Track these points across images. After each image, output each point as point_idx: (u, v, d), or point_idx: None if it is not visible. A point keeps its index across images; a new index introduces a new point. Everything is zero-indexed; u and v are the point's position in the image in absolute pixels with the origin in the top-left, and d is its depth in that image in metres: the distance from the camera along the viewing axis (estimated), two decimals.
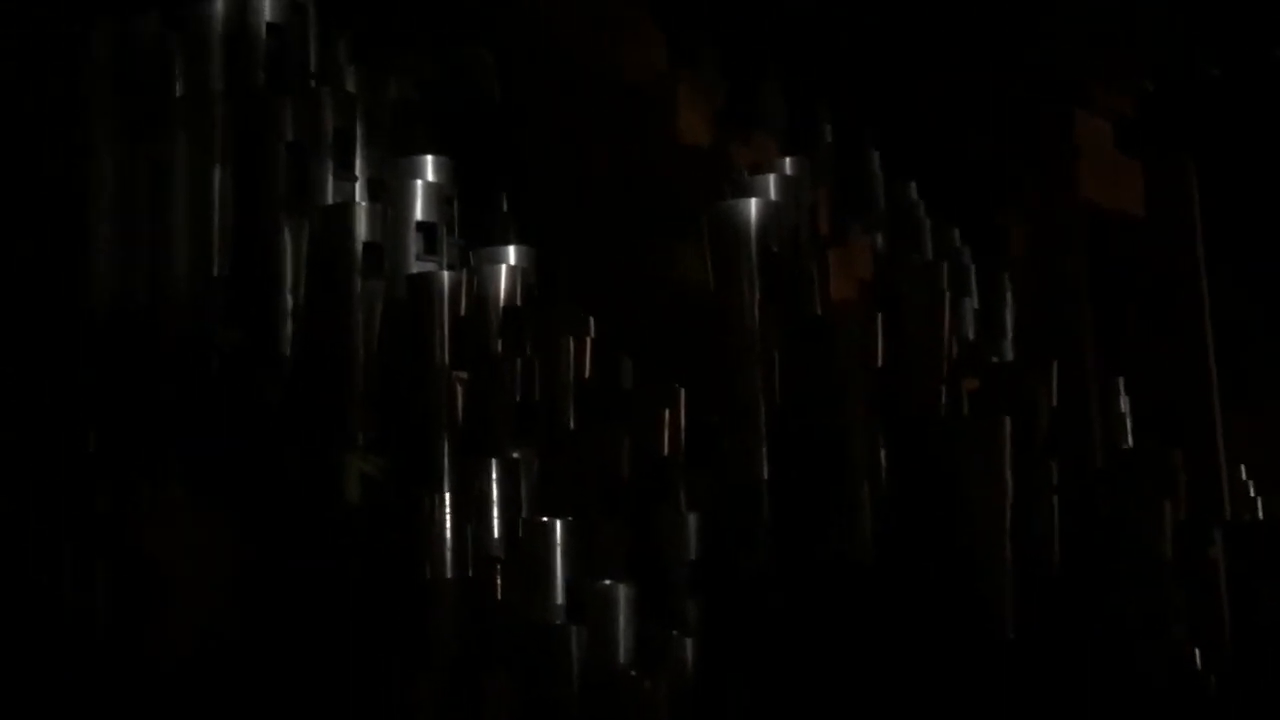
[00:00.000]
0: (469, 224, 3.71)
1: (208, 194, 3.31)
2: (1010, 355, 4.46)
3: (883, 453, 3.09)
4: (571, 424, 3.14)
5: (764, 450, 3.10)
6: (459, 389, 3.16)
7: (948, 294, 3.34)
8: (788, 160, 3.61)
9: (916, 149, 4.75)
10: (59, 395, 3.13)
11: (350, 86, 3.67)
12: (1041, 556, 3.16)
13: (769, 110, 4.49)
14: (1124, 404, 4.61)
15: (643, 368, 3.30)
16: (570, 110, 4.29)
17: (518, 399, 3.11)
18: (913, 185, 4.76)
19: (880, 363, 3.15)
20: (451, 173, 3.58)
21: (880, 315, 3.19)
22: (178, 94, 3.31)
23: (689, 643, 2.78)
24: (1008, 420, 3.11)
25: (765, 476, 3.08)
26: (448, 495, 2.90)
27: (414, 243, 3.41)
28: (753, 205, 3.24)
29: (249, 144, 3.33)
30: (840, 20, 4.74)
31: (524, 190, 4.09)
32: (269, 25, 3.43)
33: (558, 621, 2.69)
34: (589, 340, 3.23)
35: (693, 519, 2.97)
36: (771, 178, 3.41)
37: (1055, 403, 3.30)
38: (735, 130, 4.34)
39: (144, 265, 3.24)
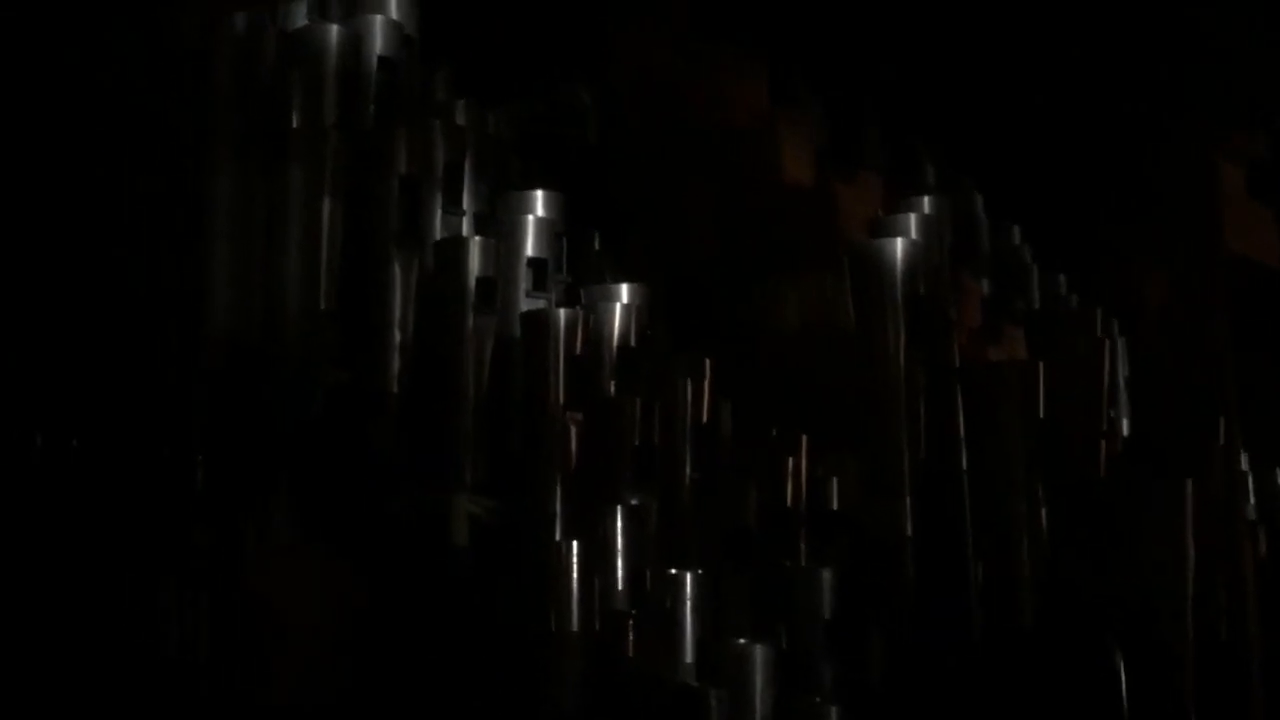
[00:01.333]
0: (574, 261, 3.64)
1: (318, 227, 3.25)
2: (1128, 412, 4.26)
3: (1044, 510, 2.93)
4: (689, 470, 3.03)
5: (908, 504, 2.96)
6: (573, 430, 3.06)
7: (1107, 342, 3.20)
8: (926, 199, 3.49)
9: (1024, 194, 4.63)
10: (167, 429, 3.05)
11: (460, 120, 3.61)
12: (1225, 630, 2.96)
13: (874, 150, 4.39)
14: None
15: (760, 412, 3.19)
16: (672, 149, 4.22)
17: (636, 443, 3.01)
18: (1017, 229, 4.64)
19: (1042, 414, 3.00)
20: (562, 208, 3.51)
21: (1041, 364, 3.03)
22: (293, 125, 3.26)
23: (833, 711, 2.63)
24: (1189, 483, 2.95)
25: (909, 532, 2.94)
26: (573, 543, 2.78)
27: (524, 279, 3.33)
28: (898, 245, 3.12)
29: (360, 177, 3.27)
30: (954, 62, 4.64)
31: (624, 228, 4.02)
32: (380, 59, 3.40)
33: (691, 682, 2.55)
34: (707, 383, 3.13)
35: (827, 575, 2.84)
36: (912, 217, 3.29)
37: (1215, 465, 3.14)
38: (839, 170, 4.25)
39: (255, 299, 3.18)
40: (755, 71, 4.39)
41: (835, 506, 2.97)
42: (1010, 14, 4.81)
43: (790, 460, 3.00)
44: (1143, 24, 4.54)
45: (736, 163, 4.18)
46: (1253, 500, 3.25)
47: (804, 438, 3.04)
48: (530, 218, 3.37)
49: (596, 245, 4.02)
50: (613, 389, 3.11)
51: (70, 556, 3.07)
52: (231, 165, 3.24)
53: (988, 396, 2.99)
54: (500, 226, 3.37)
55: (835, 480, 2.99)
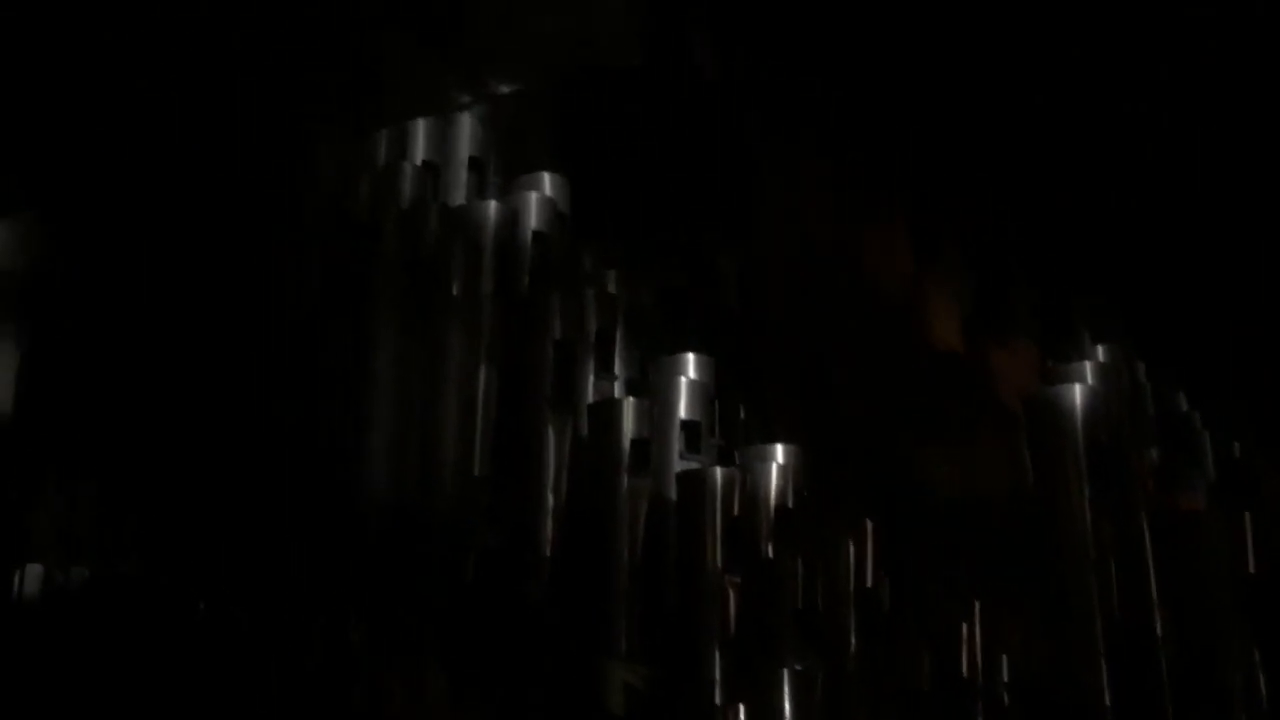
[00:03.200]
0: (725, 424, 3.61)
1: (474, 392, 3.29)
2: None
3: (1262, 676, 2.69)
4: (854, 636, 2.91)
5: (1102, 667, 2.76)
6: (731, 593, 2.97)
7: None
8: (1100, 348, 3.39)
9: (1189, 358, 4.48)
10: (324, 590, 3.05)
11: (611, 288, 3.67)
12: None
13: (1026, 315, 4.32)
14: None
15: (927, 576, 3.07)
16: (819, 312, 4.20)
17: (798, 605, 2.91)
18: (1182, 395, 4.47)
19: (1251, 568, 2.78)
20: (713, 371, 3.50)
21: (1247, 514, 2.83)
22: (452, 294, 3.35)
23: None
24: None
25: (1108, 702, 2.72)
26: (739, 710, 2.67)
27: (678, 441, 3.30)
28: (1076, 391, 3.01)
29: (515, 343, 3.32)
30: (1108, 224, 4.57)
31: (772, 393, 3.98)
32: (534, 233, 3.49)
33: None
34: (869, 544, 3.03)
35: None
36: (1088, 365, 3.19)
37: None
38: (988, 335, 4.17)
39: (412, 461, 3.21)
40: (903, 236, 4.38)
41: (1014, 673, 2.80)
42: (1159, 178, 4.75)
43: (964, 625, 2.86)
44: None
45: (885, 327, 4.14)
46: None
47: (977, 602, 2.90)
48: (683, 379, 3.37)
49: (742, 412, 4.00)
50: (771, 550, 3.03)
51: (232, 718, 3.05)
52: (394, 331, 3.32)
53: (1187, 549, 2.79)
54: (653, 390, 3.37)
55: (1014, 646, 2.82)
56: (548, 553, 3.13)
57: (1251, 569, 2.77)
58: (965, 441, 3.46)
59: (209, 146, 3.47)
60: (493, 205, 3.52)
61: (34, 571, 3.44)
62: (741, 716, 2.64)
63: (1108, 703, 2.70)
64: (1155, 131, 4.59)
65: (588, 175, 3.96)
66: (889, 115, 4.45)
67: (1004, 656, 2.83)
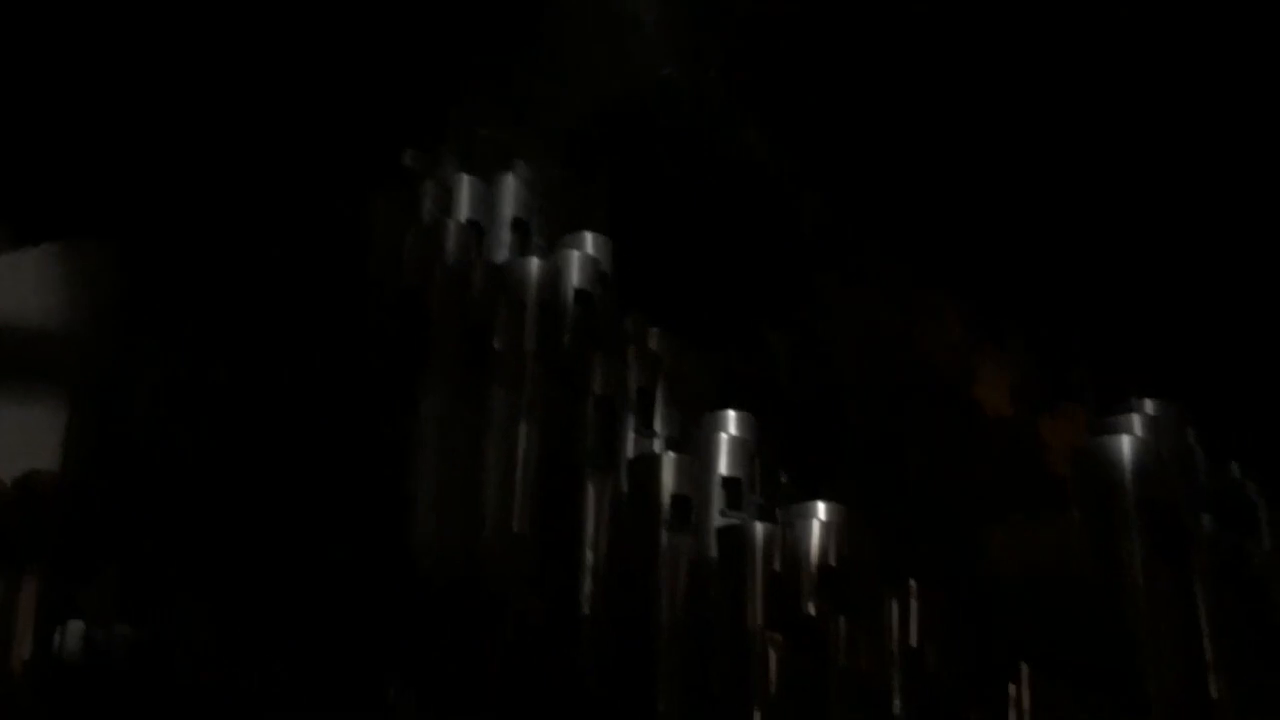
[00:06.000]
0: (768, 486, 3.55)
1: (514, 449, 3.26)
2: None
3: None
4: (899, 697, 2.82)
5: None
6: (773, 653, 2.89)
7: None
8: (1148, 401, 3.31)
9: (1241, 427, 4.38)
10: (364, 647, 3.01)
11: (653, 346, 3.64)
12: None
13: (1077, 383, 4.24)
14: None
15: (970, 638, 2.97)
16: (872, 386, 4.14)
17: (841, 666, 2.82)
18: (1235, 465, 4.36)
19: None
20: (755, 429, 3.45)
21: None
22: (496, 348, 3.33)
23: None
24: None
25: None
26: None
27: (718, 498, 3.25)
28: (1124, 441, 2.92)
29: (557, 400, 3.30)
30: (1155, 296, 4.50)
31: (827, 458, 3.92)
32: (577, 291, 3.48)
33: None
34: (913, 603, 2.94)
35: None
36: (1135, 417, 3.10)
37: None
38: (1041, 403, 4.10)
39: (455, 518, 3.17)
40: (953, 309, 4.34)
41: None
42: (1211, 250, 4.68)
43: (1012, 688, 2.76)
44: None
45: (938, 399, 4.08)
46: None
47: (1024, 665, 2.80)
48: (724, 435, 3.32)
49: (783, 478, 3.94)
50: (813, 609, 2.96)
51: None
52: (439, 387, 3.31)
53: (1242, 612, 2.68)
54: (694, 446, 3.33)
55: (1062, 709, 2.72)
56: (587, 611, 3.08)
57: None
58: (1017, 508, 3.37)
59: (271, 191, 3.51)
60: (535, 262, 3.53)
61: (75, 629, 3.43)
62: None
63: None
64: (1207, 196, 4.54)
65: (637, 241, 3.97)
66: (940, 200, 4.45)
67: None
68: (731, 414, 3.45)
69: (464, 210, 3.69)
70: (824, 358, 4.23)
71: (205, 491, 3.26)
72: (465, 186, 3.73)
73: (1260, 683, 2.69)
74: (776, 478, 3.61)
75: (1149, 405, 3.27)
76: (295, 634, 3.04)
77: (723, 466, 3.27)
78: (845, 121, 4.61)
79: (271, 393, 3.31)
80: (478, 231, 3.70)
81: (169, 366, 3.47)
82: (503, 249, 3.71)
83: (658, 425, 3.45)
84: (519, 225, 3.79)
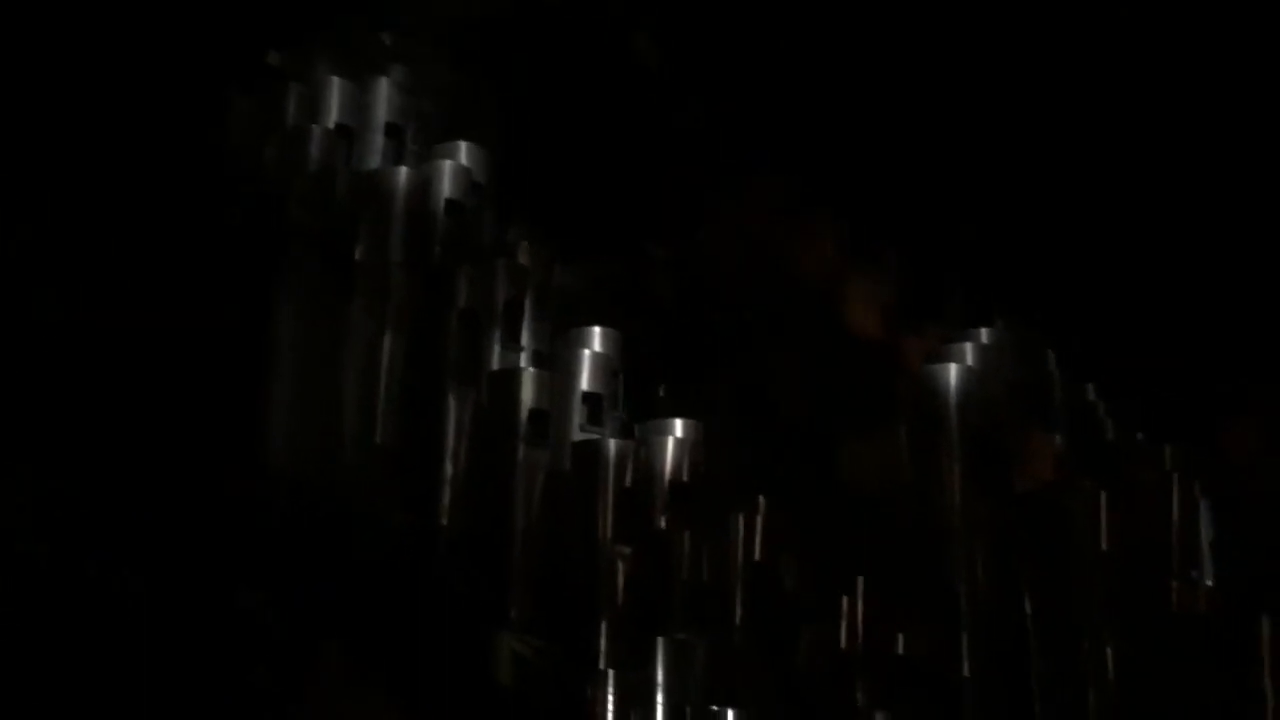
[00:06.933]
0: (632, 403, 3.61)
1: (376, 360, 3.27)
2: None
3: (1109, 649, 2.74)
4: (740, 609, 2.92)
5: (965, 643, 2.80)
6: (621, 565, 2.98)
7: (1175, 475, 3.05)
8: (984, 330, 3.42)
9: (1102, 352, 4.51)
10: (221, 564, 3.03)
11: (523, 260, 3.65)
12: None
13: (950, 309, 4.33)
14: None
15: (815, 552, 3.08)
16: (742, 300, 4.20)
17: (684, 578, 2.92)
18: (1091, 387, 4.51)
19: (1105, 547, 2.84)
20: (619, 346, 3.49)
21: (1104, 494, 2.88)
22: (357, 259, 3.32)
23: None
24: (1267, 621, 2.75)
25: (967, 672, 2.77)
26: (610, 677, 2.68)
27: (579, 413, 3.30)
28: (952, 370, 3.04)
29: (422, 312, 3.30)
30: (1033, 222, 4.59)
31: (688, 375, 3.98)
32: (448, 201, 3.46)
33: None
34: (760, 520, 3.04)
35: (880, 717, 2.69)
36: (968, 346, 3.21)
37: None
38: (906, 324, 4.19)
39: (313, 431, 3.18)
40: (830, 225, 4.39)
41: (894, 649, 2.83)
42: (1088, 174, 4.78)
43: (845, 600, 2.88)
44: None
45: (808, 317, 4.15)
46: None
47: (860, 578, 2.92)
48: (586, 352, 3.36)
49: (661, 392, 3.99)
50: (664, 524, 3.04)
51: (125, 695, 3.03)
52: (302, 294, 3.29)
53: (1049, 529, 2.84)
54: (557, 361, 3.37)
55: (893, 621, 2.85)
56: (444, 522, 3.13)
57: (1104, 547, 2.82)
58: (871, 427, 3.47)
59: (126, 99, 3.43)
60: (404, 171, 3.50)
61: None
62: (621, 684, 2.64)
63: (966, 673, 2.74)
64: (1081, 124, 4.63)
65: (518, 152, 3.94)
66: (826, 118, 4.47)
67: (883, 633, 2.85)
68: (596, 330, 3.49)
69: (333, 115, 3.64)
70: (699, 274, 4.27)
71: (55, 390, 3.23)
72: (335, 89, 3.67)
73: (1071, 601, 2.84)
74: (645, 394, 3.66)
75: (984, 334, 3.37)
76: (142, 541, 3.05)
77: (584, 382, 3.31)
78: (736, 31, 4.61)
79: (120, 295, 3.27)
80: (348, 137, 3.65)
81: (17, 266, 3.41)
82: (375, 156, 3.67)
83: (526, 340, 3.48)
84: (393, 132, 3.73)
